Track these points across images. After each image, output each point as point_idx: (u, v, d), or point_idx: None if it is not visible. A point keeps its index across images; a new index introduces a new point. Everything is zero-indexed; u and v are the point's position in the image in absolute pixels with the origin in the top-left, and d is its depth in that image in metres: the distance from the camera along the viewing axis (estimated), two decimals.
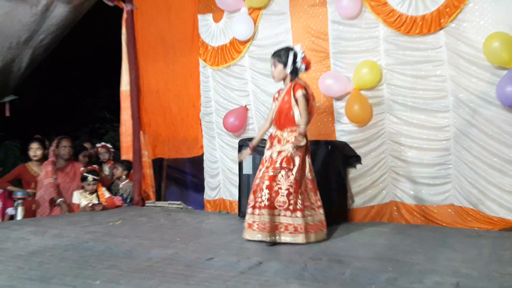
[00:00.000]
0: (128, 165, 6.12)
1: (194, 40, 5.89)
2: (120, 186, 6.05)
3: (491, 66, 4.15)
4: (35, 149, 5.58)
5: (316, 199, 3.83)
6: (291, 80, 3.88)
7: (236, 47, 5.50)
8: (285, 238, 3.62)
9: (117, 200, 5.69)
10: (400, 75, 4.64)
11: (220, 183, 5.81)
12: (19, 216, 5.15)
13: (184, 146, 6.11)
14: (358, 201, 4.86)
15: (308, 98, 3.81)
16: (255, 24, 5.34)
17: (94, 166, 5.62)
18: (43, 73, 8.95)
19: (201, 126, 5.94)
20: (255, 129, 5.51)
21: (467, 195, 4.39)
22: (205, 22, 5.78)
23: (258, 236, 3.62)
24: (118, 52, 6.49)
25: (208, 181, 5.96)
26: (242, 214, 4.92)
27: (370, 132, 4.80)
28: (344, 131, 4.92)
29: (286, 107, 3.84)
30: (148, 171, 6.29)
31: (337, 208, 4.56)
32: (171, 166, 6.93)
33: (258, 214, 3.64)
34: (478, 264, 2.98)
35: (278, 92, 4.04)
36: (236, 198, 5.20)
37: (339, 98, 4.93)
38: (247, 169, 4.92)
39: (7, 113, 6.91)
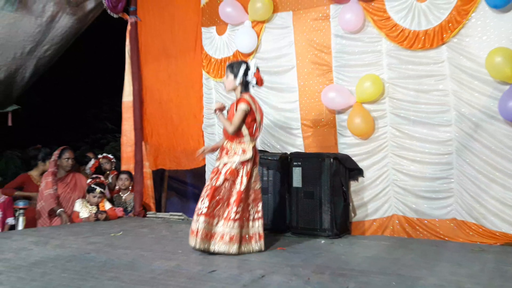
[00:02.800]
0: (131, 176, 6.11)
1: (197, 52, 5.93)
2: (123, 198, 6.04)
3: (493, 81, 4.18)
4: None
5: (256, 211, 3.86)
6: (241, 92, 3.93)
7: (239, 59, 5.53)
8: (219, 247, 3.65)
9: (119, 211, 5.67)
10: (403, 89, 4.66)
11: None
12: (20, 226, 5.14)
13: (184, 158, 6.11)
14: (360, 214, 4.86)
15: (250, 113, 3.83)
16: (258, 37, 5.38)
17: (101, 178, 5.60)
18: (45, 83, 8.98)
19: (203, 137, 5.95)
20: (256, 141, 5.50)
21: (469, 209, 4.39)
22: (208, 34, 5.82)
23: (194, 243, 3.65)
24: (121, 63, 6.52)
25: None
26: None
27: (372, 145, 4.81)
28: (346, 144, 4.94)
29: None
30: (149, 182, 6.28)
31: (339, 221, 4.54)
32: (172, 177, 6.91)
33: (197, 221, 3.69)
34: (482, 279, 2.97)
35: (231, 105, 4.06)
36: None
37: (341, 111, 4.94)
38: None
39: (10, 123, 6.92)
